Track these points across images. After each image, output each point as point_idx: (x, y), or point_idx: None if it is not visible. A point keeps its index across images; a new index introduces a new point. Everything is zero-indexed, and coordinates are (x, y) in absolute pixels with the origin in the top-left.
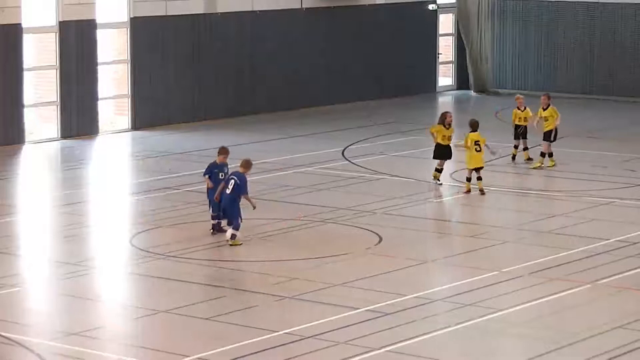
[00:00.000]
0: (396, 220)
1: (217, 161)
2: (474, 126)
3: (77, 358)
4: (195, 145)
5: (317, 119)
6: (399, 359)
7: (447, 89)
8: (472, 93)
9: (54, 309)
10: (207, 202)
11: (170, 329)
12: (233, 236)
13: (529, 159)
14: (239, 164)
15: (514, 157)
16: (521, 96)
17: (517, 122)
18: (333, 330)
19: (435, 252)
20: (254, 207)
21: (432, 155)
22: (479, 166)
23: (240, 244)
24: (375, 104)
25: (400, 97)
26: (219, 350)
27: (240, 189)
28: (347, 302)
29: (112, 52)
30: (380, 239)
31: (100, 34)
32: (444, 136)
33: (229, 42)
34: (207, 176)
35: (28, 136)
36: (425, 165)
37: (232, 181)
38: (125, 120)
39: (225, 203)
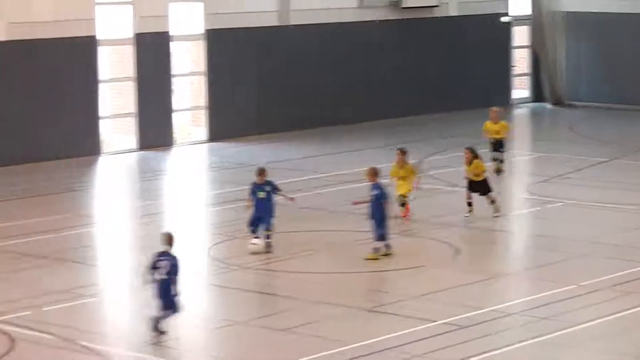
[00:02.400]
0: (473, 232)
1: (257, 181)
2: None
3: None
4: (272, 156)
5: (392, 131)
6: None
7: (523, 101)
8: (548, 105)
9: (132, 319)
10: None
11: (248, 340)
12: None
13: (499, 170)
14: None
15: (498, 171)
16: (497, 109)
17: (494, 136)
18: (409, 343)
19: (512, 265)
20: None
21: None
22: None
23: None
24: (449, 116)
25: (475, 110)
26: None
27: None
28: (423, 315)
29: (189, 63)
30: (457, 251)
31: (176, 46)
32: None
33: (303, 54)
34: (250, 197)
35: (105, 147)
36: (502, 177)
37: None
38: (202, 132)
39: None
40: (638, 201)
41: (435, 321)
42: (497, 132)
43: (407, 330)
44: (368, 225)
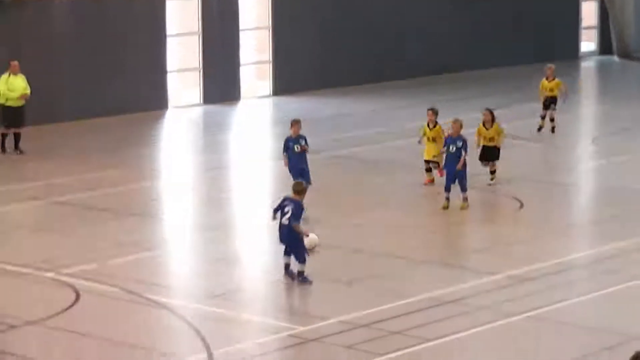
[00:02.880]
0: (537, 186)
1: (292, 134)
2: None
3: (219, 320)
4: (333, 110)
5: (456, 85)
6: (539, 325)
7: (590, 54)
8: (615, 58)
9: (196, 272)
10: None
11: (309, 293)
12: (300, 274)
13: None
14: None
15: (540, 129)
16: (552, 66)
17: (546, 94)
18: (473, 295)
19: (576, 218)
20: (307, 235)
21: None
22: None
23: (311, 283)
24: (516, 69)
25: (542, 63)
26: (358, 314)
27: (296, 217)
28: (488, 268)
29: (254, 18)
30: (522, 205)
31: (241, 1)
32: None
33: (367, 9)
34: (285, 153)
35: (171, 101)
36: (568, 131)
37: (289, 210)
38: (267, 86)
39: (285, 235)
40: None
41: (499, 274)
42: (551, 90)
43: (471, 283)
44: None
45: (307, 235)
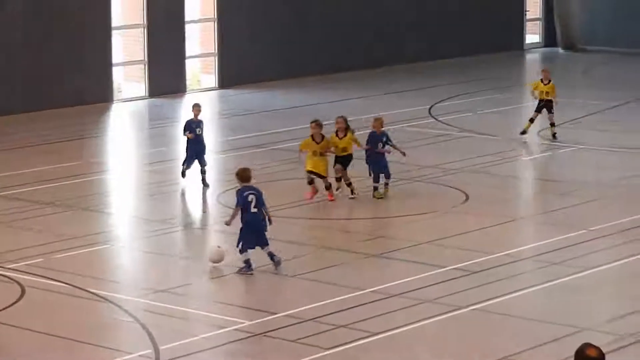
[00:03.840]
0: (483, 178)
1: (194, 118)
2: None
3: (164, 314)
4: (283, 103)
5: (404, 76)
6: (486, 317)
7: (535, 46)
8: (560, 50)
9: (141, 266)
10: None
11: (258, 287)
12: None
13: (554, 135)
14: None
15: (524, 132)
16: (547, 68)
17: (543, 97)
18: (420, 288)
19: (522, 210)
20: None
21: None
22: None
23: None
24: (461, 61)
25: (487, 55)
26: (306, 307)
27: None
28: (434, 260)
29: (199, 10)
30: (467, 197)
31: None
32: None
33: None
34: (188, 132)
35: (117, 94)
36: (513, 122)
37: (253, 197)
38: (212, 79)
39: (258, 224)
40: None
41: (446, 267)
42: (547, 94)
43: (419, 276)
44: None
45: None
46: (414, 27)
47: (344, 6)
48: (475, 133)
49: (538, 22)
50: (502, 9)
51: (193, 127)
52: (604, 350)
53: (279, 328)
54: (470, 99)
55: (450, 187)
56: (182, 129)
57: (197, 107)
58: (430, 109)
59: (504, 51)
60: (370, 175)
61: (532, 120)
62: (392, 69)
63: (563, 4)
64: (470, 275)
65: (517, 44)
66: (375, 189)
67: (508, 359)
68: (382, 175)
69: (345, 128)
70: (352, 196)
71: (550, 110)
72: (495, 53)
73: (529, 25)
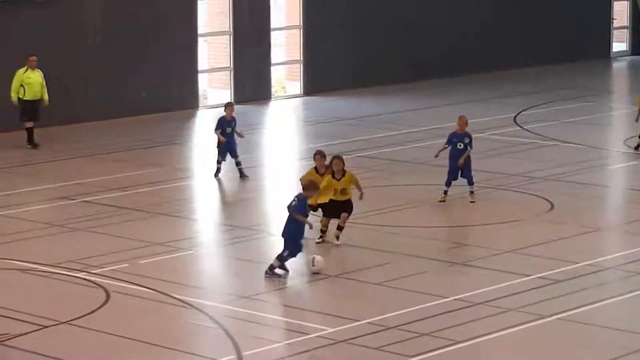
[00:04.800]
0: (568, 187)
1: (226, 117)
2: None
3: (248, 320)
4: (366, 110)
5: (487, 85)
6: (570, 326)
7: (622, 54)
8: None
9: (226, 272)
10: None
11: (340, 293)
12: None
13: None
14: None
15: (637, 147)
16: None
17: None
18: (503, 297)
19: (607, 220)
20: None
21: None
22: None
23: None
24: (547, 69)
25: (573, 63)
26: (389, 315)
27: (296, 209)
28: (518, 269)
29: (285, 17)
30: (552, 206)
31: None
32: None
33: (396, 6)
34: (218, 131)
35: (202, 101)
36: (597, 131)
37: (292, 201)
38: (297, 86)
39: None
40: None
41: (530, 275)
42: None
43: (502, 284)
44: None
45: (311, 227)
46: (499, 34)
47: (433, 14)
48: (560, 141)
49: (625, 30)
50: (589, 17)
51: (224, 126)
52: None
53: (362, 335)
54: (555, 108)
55: (535, 195)
56: (215, 127)
57: (230, 107)
58: (515, 117)
59: (591, 59)
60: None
61: None
62: (474, 77)
63: None
64: (554, 285)
65: (603, 52)
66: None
67: None
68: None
69: (342, 169)
70: (337, 243)
71: None
72: (582, 61)
73: (615, 34)
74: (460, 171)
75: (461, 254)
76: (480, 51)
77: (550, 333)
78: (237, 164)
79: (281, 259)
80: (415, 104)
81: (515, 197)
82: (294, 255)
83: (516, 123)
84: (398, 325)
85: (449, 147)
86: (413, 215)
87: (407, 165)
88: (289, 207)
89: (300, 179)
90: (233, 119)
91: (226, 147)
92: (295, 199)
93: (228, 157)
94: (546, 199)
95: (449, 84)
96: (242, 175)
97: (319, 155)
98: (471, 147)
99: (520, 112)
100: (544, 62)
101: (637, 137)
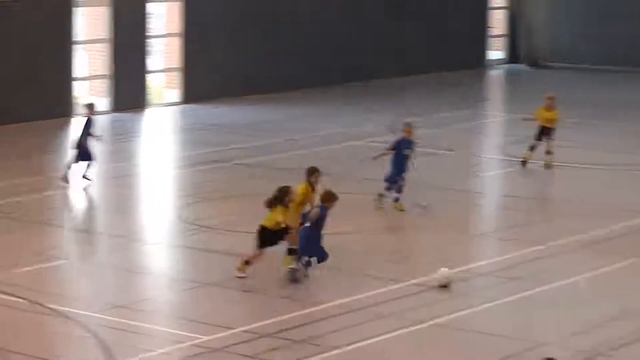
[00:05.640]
0: (444, 193)
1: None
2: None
3: (124, 330)
4: (244, 118)
5: (364, 94)
6: (446, 332)
7: (499, 62)
8: (523, 67)
9: (101, 281)
10: None
11: (216, 301)
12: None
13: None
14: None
15: (524, 162)
16: (553, 95)
17: (544, 124)
18: (381, 303)
19: (482, 226)
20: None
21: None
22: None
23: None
24: (424, 78)
25: (450, 71)
26: (265, 322)
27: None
28: (396, 275)
29: (165, 25)
30: (428, 212)
31: (152, 8)
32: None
33: (278, 15)
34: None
35: (79, 109)
36: (473, 138)
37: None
38: (176, 94)
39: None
40: (608, 161)
41: (406, 281)
42: (550, 121)
43: (380, 290)
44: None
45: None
46: (375, 44)
47: (309, 22)
48: (436, 149)
49: (502, 38)
50: (466, 26)
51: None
52: None
53: (237, 343)
54: (432, 116)
55: (412, 202)
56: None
57: (90, 109)
58: (391, 125)
59: (467, 68)
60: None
61: (532, 149)
62: (351, 86)
63: (527, 21)
64: (431, 291)
65: (480, 60)
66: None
67: None
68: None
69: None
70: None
71: (551, 139)
72: (459, 70)
73: (492, 42)
74: (396, 178)
75: (338, 260)
76: (356, 60)
77: (426, 339)
78: (88, 166)
79: (307, 263)
80: (293, 112)
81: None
82: (324, 260)
83: (392, 131)
84: (274, 333)
85: (394, 153)
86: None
87: (284, 173)
88: (310, 219)
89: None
90: (90, 120)
91: (80, 150)
92: (319, 210)
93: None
94: (423, 206)
95: (325, 92)
96: (85, 177)
97: (318, 172)
98: (414, 155)
99: (398, 120)
100: (420, 71)
101: (528, 150)
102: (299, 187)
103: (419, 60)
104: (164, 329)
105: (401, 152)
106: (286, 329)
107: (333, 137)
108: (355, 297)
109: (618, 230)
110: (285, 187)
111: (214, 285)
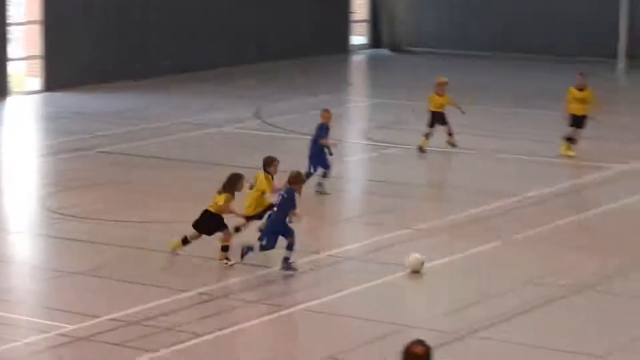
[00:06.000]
0: (309, 179)
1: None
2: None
3: None
4: (108, 106)
5: (227, 79)
6: (311, 317)
7: (361, 47)
8: (386, 51)
9: None
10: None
11: (81, 290)
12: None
13: (453, 144)
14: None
15: (421, 149)
16: (444, 81)
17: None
18: (247, 289)
19: (348, 211)
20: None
21: None
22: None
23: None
24: (286, 64)
25: (313, 57)
26: (129, 311)
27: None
28: (260, 261)
29: (24, 12)
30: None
31: None
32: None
33: (133, 3)
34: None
35: None
36: (336, 124)
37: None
38: (37, 82)
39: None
40: (471, 145)
41: (272, 267)
42: (442, 106)
43: (243, 278)
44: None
45: (299, 219)
46: (235, 30)
47: (167, 9)
48: (301, 134)
49: (364, 23)
50: (328, 11)
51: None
52: (430, 347)
53: (103, 332)
54: (295, 101)
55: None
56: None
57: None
58: (256, 111)
59: (330, 53)
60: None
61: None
62: (213, 73)
63: (389, 6)
64: (295, 275)
65: (342, 45)
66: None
67: (333, 358)
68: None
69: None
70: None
71: (444, 122)
72: (321, 55)
73: (355, 27)
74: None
75: (206, 248)
76: (218, 47)
77: (294, 324)
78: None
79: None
80: (155, 99)
81: None
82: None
83: (257, 117)
84: (141, 321)
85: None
86: (160, 210)
87: (146, 160)
88: (280, 205)
89: (251, 187)
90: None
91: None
92: (284, 195)
93: None
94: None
95: (185, 79)
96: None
97: (276, 162)
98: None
99: (261, 106)
100: (282, 57)
101: (423, 137)
102: (258, 178)
103: (281, 45)
104: (29, 318)
105: (320, 138)
106: (153, 317)
107: (196, 124)
108: (221, 284)
109: (483, 214)
110: (236, 174)
111: (78, 274)
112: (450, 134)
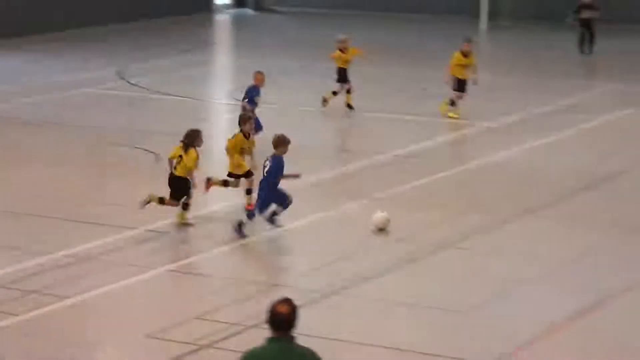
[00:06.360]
0: (174, 140)
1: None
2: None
3: None
4: None
5: (89, 40)
6: (179, 277)
7: (225, 7)
8: (250, 11)
9: None
10: None
11: None
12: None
13: (350, 105)
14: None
15: (325, 100)
16: (345, 38)
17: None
18: (112, 251)
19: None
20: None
21: None
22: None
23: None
24: (149, 24)
25: (176, 16)
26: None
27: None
28: (126, 222)
29: None
30: (158, 157)
31: None
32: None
33: None
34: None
35: None
36: (206, 84)
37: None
38: None
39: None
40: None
41: (137, 228)
42: (347, 62)
43: (108, 239)
44: None
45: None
46: None
47: None
48: (166, 94)
49: None
50: None
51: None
52: (296, 306)
53: None
54: (159, 61)
55: (144, 149)
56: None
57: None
58: (119, 71)
59: (193, 13)
60: None
61: (335, 93)
62: (74, 33)
63: None
64: (163, 236)
65: (206, 5)
66: None
67: (202, 318)
68: None
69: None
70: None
71: (347, 80)
72: (185, 15)
73: None
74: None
75: (67, 208)
76: (75, 7)
77: (160, 285)
78: None
79: (274, 214)
80: (23, 59)
81: (124, 152)
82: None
83: (120, 77)
84: (7, 284)
85: (246, 101)
86: (51, 175)
87: (14, 123)
88: (268, 172)
89: (227, 148)
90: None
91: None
92: (270, 161)
93: None
94: (154, 152)
95: (44, 40)
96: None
97: (250, 119)
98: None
99: (125, 66)
100: (145, 17)
101: (331, 93)
102: (234, 137)
103: (141, 5)
104: None
105: (252, 99)
106: (20, 279)
107: (63, 84)
108: (84, 246)
109: (345, 174)
110: (194, 129)
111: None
112: (348, 91)
